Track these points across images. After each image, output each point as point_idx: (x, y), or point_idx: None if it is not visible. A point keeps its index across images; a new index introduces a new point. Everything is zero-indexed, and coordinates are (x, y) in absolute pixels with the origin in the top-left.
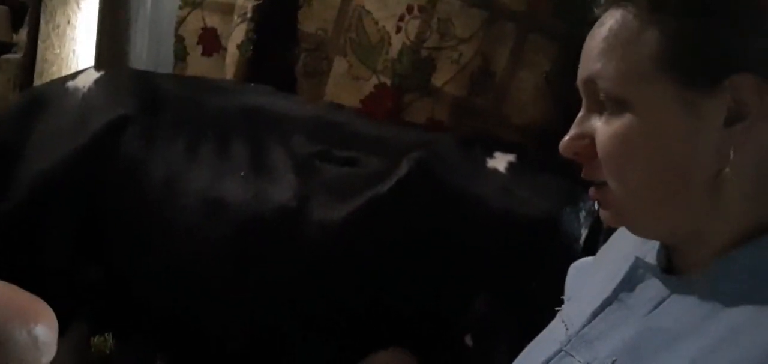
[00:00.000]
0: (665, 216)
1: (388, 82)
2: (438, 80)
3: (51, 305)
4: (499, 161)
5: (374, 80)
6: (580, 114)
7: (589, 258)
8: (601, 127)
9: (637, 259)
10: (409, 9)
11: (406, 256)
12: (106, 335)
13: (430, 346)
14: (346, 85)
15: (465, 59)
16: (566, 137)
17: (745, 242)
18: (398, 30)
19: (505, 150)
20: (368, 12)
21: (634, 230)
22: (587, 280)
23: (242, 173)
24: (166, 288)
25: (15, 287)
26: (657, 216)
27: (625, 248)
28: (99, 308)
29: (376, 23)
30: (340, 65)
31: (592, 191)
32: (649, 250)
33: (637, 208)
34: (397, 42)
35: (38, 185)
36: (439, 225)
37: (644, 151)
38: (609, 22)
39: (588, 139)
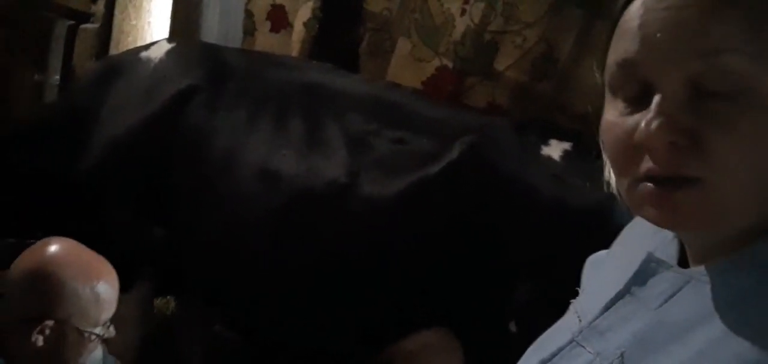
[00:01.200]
0: (757, 210)
1: (450, 64)
2: (500, 64)
3: (117, 264)
4: (554, 149)
5: (436, 62)
6: (673, 99)
7: (604, 252)
8: (732, 109)
9: (649, 253)
10: None
11: (453, 238)
12: (168, 297)
13: (473, 329)
14: (408, 66)
15: (529, 44)
16: (663, 126)
17: (757, 237)
18: (463, 12)
19: (562, 138)
20: None
21: (724, 225)
22: (600, 273)
23: (284, 152)
24: (221, 251)
25: (80, 245)
26: (750, 209)
27: (637, 242)
28: (162, 269)
29: (441, 5)
30: (403, 46)
31: (660, 195)
32: (660, 244)
33: (745, 199)
34: (461, 24)
35: (110, 150)
36: (488, 210)
37: (763, 143)
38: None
39: (679, 131)
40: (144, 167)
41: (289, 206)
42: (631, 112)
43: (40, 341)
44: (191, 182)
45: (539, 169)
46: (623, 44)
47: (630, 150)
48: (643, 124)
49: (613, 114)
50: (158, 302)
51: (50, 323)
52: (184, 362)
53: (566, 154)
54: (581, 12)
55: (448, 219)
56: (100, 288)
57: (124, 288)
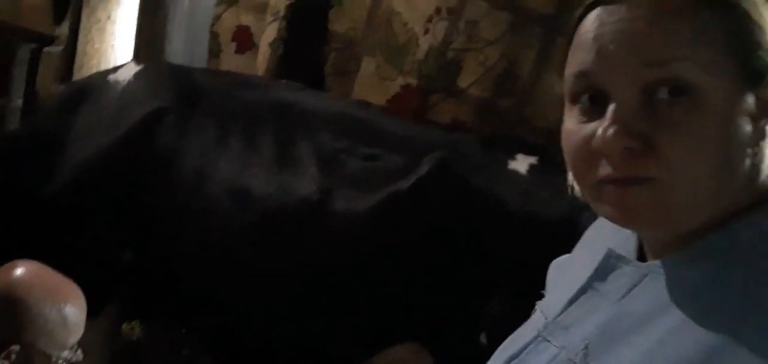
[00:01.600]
0: (708, 204)
1: (415, 82)
2: (463, 81)
3: (85, 289)
4: (521, 163)
5: (401, 80)
6: (627, 106)
7: (567, 256)
8: (681, 113)
9: (609, 249)
10: (438, 11)
11: (424, 252)
12: (133, 322)
13: (445, 343)
14: (373, 85)
15: (491, 62)
16: (618, 132)
17: (709, 231)
18: (426, 31)
19: (528, 152)
20: (397, 13)
21: (679, 222)
22: (564, 274)
23: (255, 171)
24: (194, 272)
25: (47, 268)
26: (706, 205)
27: (598, 242)
28: (130, 293)
29: (405, 24)
30: (368, 65)
31: (618, 194)
32: (620, 241)
33: (697, 196)
34: (424, 43)
35: (79, 173)
36: (457, 224)
37: (712, 140)
38: (660, 6)
39: (633, 133)
40: (113, 190)
41: (262, 225)
42: (588, 121)
43: None
44: (162, 203)
45: (507, 183)
46: (579, 56)
47: (588, 156)
48: (599, 131)
49: (572, 122)
50: (124, 326)
51: (16, 347)
52: None
53: (532, 168)
54: (540, 30)
55: (419, 234)
56: (68, 311)
57: (93, 313)
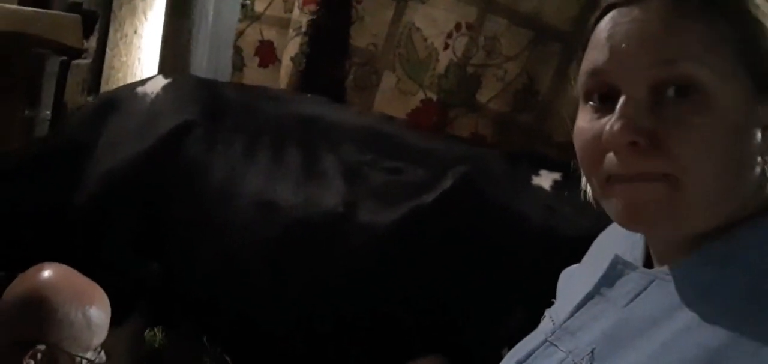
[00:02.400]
0: (721, 206)
1: (434, 97)
2: (483, 97)
3: (111, 297)
4: (545, 179)
5: (421, 95)
6: (635, 102)
7: (577, 265)
8: (689, 112)
9: (616, 256)
10: (458, 27)
11: (447, 266)
12: (155, 329)
13: (467, 356)
14: (393, 99)
15: (510, 77)
16: (624, 126)
17: (714, 237)
18: (446, 47)
19: (552, 168)
20: (418, 29)
21: (686, 223)
22: (572, 282)
23: (281, 184)
24: (218, 282)
25: (73, 270)
26: (718, 207)
27: (606, 248)
28: (154, 302)
29: (425, 40)
30: (388, 79)
31: (627, 190)
32: (628, 248)
33: (705, 197)
34: (444, 58)
35: (106, 183)
36: (480, 238)
37: (722, 137)
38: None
39: (644, 131)
40: (140, 202)
41: (287, 236)
42: (600, 118)
43: None
44: (188, 215)
45: (530, 198)
46: (593, 54)
47: (597, 151)
48: (607, 126)
49: (584, 119)
50: (147, 333)
51: (42, 347)
52: None
53: (556, 184)
54: (560, 46)
55: (443, 247)
56: (92, 313)
57: (117, 321)
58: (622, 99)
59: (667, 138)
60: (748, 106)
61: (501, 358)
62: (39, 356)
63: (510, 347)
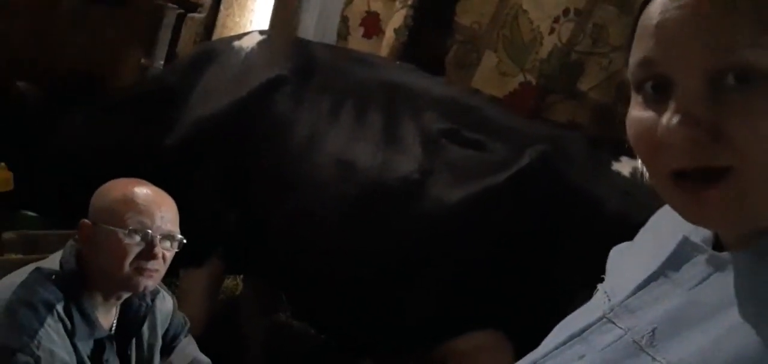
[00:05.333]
0: None
1: (534, 81)
2: (584, 84)
3: (193, 239)
4: (625, 166)
5: (520, 78)
6: (692, 94)
7: (627, 243)
8: (752, 100)
9: (685, 237)
10: (566, 12)
11: (516, 244)
12: (237, 278)
13: (528, 334)
14: (492, 79)
15: (615, 67)
16: (682, 122)
17: None
18: (551, 31)
19: (633, 156)
20: (525, 11)
21: (749, 220)
22: (627, 259)
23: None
24: (294, 235)
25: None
26: None
27: (668, 227)
28: (233, 250)
29: (531, 23)
30: (489, 59)
31: (694, 192)
32: (695, 228)
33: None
34: (548, 43)
35: (196, 130)
36: (553, 219)
37: None
38: None
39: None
40: (226, 150)
41: (361, 197)
42: (652, 109)
43: (81, 244)
44: (271, 167)
45: (608, 183)
46: (643, 43)
47: (653, 146)
48: (663, 121)
49: (637, 110)
50: (228, 282)
51: (87, 222)
52: (246, 343)
53: (636, 171)
54: None
55: (513, 225)
56: (132, 191)
57: (197, 263)
58: (677, 91)
59: (729, 128)
60: None
61: None
62: (84, 231)
63: None
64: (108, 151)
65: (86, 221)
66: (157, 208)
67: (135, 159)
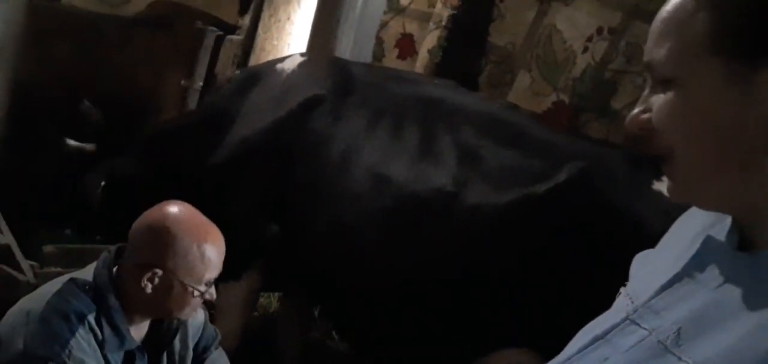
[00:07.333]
0: (723, 187)
1: (567, 99)
2: (617, 103)
3: (231, 253)
4: (666, 185)
5: (553, 97)
6: (645, 93)
7: (652, 249)
8: (656, 101)
9: (709, 237)
10: (599, 30)
11: (551, 259)
12: (271, 296)
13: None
14: (526, 99)
15: None
16: (631, 113)
17: None
18: (585, 50)
19: None
20: (558, 30)
21: (697, 201)
22: (650, 262)
23: (398, 159)
24: (330, 249)
25: (196, 210)
26: (714, 187)
27: (692, 229)
28: (271, 265)
29: (564, 42)
30: (523, 79)
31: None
32: (720, 229)
33: (696, 178)
34: (582, 62)
35: (239, 148)
36: (590, 235)
37: (695, 125)
38: (668, 5)
39: (648, 114)
40: (268, 168)
41: (396, 209)
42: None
43: (148, 287)
44: (308, 183)
45: (648, 202)
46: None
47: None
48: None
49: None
50: (262, 299)
51: (159, 272)
52: (280, 360)
53: None
54: None
55: (549, 240)
56: (207, 248)
57: (235, 276)
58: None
59: (654, 119)
60: (722, 92)
61: None
62: (156, 279)
63: None
64: (159, 177)
65: (158, 269)
66: (222, 258)
67: (178, 178)
